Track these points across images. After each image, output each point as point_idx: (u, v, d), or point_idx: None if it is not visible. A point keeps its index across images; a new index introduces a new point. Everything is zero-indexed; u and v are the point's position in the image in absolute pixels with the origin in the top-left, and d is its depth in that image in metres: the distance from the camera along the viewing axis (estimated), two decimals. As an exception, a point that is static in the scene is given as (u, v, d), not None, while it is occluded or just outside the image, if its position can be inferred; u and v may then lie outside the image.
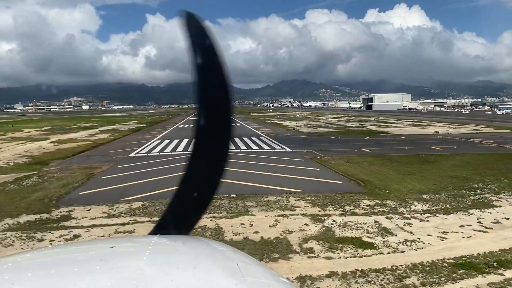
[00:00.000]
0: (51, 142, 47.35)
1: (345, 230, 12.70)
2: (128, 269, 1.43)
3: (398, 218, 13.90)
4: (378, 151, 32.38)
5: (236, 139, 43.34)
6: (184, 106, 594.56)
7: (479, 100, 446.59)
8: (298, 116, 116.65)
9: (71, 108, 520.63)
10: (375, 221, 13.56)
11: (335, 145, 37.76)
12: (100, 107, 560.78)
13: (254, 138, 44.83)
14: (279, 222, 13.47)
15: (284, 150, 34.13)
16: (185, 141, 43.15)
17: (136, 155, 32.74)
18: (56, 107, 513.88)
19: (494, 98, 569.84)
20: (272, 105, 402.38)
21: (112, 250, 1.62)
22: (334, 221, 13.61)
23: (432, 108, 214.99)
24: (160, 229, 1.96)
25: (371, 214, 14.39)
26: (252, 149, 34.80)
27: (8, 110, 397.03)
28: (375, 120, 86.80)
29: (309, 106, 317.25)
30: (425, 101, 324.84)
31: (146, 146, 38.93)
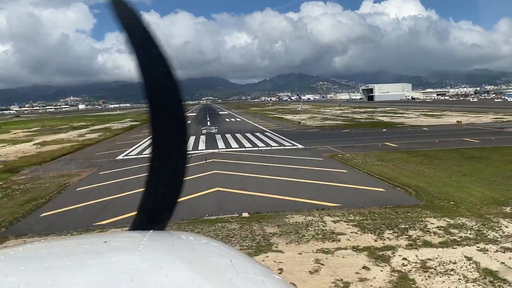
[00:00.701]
0: (34, 144, 42.80)
1: (430, 277, 8.09)
2: (122, 264, 1.42)
3: (498, 251, 9.29)
4: (406, 146, 27.77)
5: (239, 136, 38.74)
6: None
7: (478, 88, 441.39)
8: (299, 109, 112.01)
9: (67, 108, 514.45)
10: (467, 258, 8.96)
11: (352, 139, 33.12)
12: (97, 106, 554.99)
13: (258, 134, 40.20)
14: (322, 264, 8.85)
15: (296, 147, 29.49)
16: None
17: (125, 157, 28.12)
18: (52, 107, 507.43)
19: (493, 86, 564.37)
20: (270, 99, 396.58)
21: (106, 245, 1.56)
22: (405, 259, 9.00)
23: (436, 98, 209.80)
24: (136, 226, 1.86)
25: (453, 244, 9.77)
26: (258, 147, 30.17)
27: (3, 112, 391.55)
28: (383, 111, 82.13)
29: (308, 99, 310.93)
30: (426, 90, 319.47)
31: (138, 147, 34.29)
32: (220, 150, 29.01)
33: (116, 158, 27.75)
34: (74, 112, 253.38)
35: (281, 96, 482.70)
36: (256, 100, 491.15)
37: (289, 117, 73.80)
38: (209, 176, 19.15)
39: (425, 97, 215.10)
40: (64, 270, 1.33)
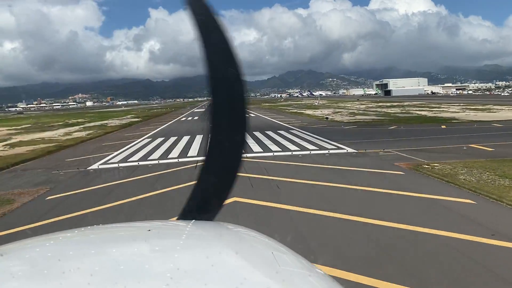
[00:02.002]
0: (5, 145, 34.78)
1: None
2: (167, 251, 1.43)
3: None
4: (506, 150, 19.08)
5: (258, 134, 30.17)
6: (190, 99, 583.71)
7: (490, 84, 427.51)
8: (316, 104, 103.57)
9: (74, 105, 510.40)
10: None
11: (415, 139, 24.33)
12: (104, 103, 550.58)
13: (282, 132, 31.62)
14: None
15: (345, 151, 20.79)
16: (186, 138, 30.13)
17: (101, 166, 19.73)
18: (59, 104, 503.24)
19: (504, 82, 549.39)
20: (281, 96, 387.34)
21: (150, 233, 1.58)
22: None
23: (458, 92, 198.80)
24: (185, 215, 1.90)
25: None
26: (290, 151, 21.55)
27: (10, 109, 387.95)
28: (414, 105, 72.91)
29: (320, 94, 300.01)
30: (445, 85, 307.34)
31: (127, 149, 25.97)
32: (236, 156, 20.47)
33: (89, 168, 19.35)
34: (80, 109, 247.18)
35: (292, 92, 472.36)
36: (265, 97, 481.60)
37: (309, 112, 65.08)
38: (226, 212, 10.57)
39: (445, 92, 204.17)
40: (110, 256, 1.32)
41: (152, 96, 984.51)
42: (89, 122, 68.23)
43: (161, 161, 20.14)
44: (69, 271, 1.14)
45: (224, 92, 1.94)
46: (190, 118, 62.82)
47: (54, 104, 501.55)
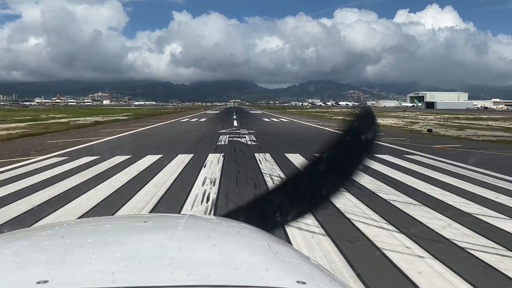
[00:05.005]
0: None
1: None
2: (167, 238, 1.45)
3: None
4: None
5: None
6: (208, 104, 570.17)
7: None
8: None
9: (89, 102, 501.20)
10: None
11: None
12: (122, 103, 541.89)
13: (389, 158, 12.60)
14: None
15: None
16: (149, 159, 11.26)
17: None
18: (74, 101, 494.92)
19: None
20: (302, 104, 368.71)
21: (148, 224, 1.62)
22: None
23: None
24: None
25: None
26: None
27: (25, 103, 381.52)
28: (502, 119, 53.27)
29: (346, 104, 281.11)
30: (494, 100, 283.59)
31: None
32: None
33: None
34: (90, 107, 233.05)
35: (313, 101, 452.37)
36: (286, 104, 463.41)
37: (363, 120, 46.02)
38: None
39: (499, 107, 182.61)
40: (109, 246, 1.33)
41: (171, 99, 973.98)
42: (60, 118, 50.85)
43: None
44: (64, 260, 1.15)
45: None
46: (194, 120, 44.21)
47: (69, 101, 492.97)
